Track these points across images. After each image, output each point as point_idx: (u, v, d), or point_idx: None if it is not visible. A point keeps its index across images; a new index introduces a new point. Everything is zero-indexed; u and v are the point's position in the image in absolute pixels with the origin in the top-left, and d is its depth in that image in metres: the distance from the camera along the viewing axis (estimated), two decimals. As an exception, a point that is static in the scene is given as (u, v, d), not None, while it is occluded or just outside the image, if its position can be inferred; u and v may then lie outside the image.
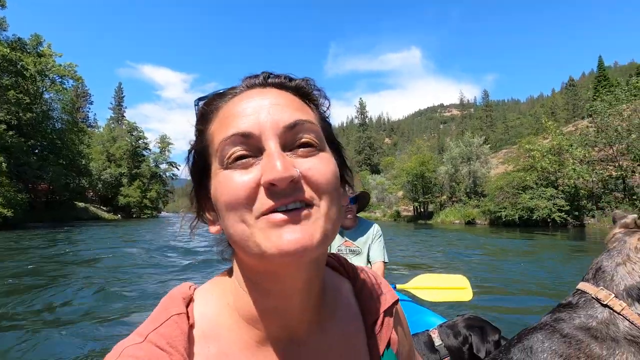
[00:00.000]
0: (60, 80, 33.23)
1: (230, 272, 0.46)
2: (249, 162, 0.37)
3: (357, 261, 2.57)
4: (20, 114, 26.40)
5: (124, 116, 75.79)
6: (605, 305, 0.86)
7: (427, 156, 41.96)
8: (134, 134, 59.32)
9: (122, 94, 78.74)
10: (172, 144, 63.85)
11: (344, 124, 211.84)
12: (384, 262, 2.57)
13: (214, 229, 0.43)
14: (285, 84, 0.43)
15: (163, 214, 78.56)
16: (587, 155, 25.11)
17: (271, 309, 0.42)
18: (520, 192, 25.99)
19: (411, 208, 45.62)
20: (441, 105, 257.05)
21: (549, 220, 23.98)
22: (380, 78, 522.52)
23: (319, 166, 0.38)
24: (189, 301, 0.43)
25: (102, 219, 40.74)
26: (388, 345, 0.51)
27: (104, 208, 49.29)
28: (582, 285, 0.93)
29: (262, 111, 0.38)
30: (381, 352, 0.49)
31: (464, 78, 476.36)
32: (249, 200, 0.36)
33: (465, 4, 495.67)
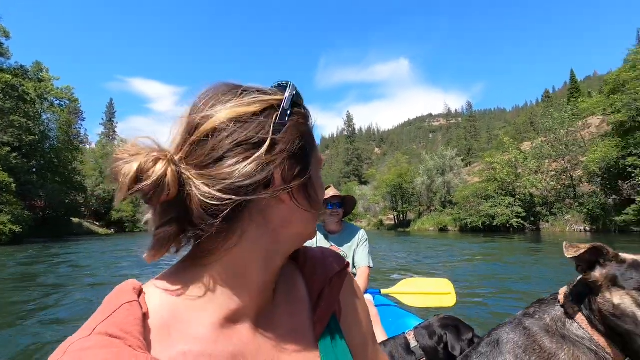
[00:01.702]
0: (58, 102, 35.38)
1: (185, 264, 0.46)
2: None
3: None
4: (23, 137, 28.38)
5: (115, 131, 77.43)
6: (562, 306, 0.97)
7: (404, 168, 45.39)
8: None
9: (113, 109, 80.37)
10: None
11: (334, 135, 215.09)
12: (369, 267, 2.55)
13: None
14: None
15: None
16: (540, 166, 28.07)
17: (257, 286, 0.45)
18: (483, 200, 28.75)
19: (392, 217, 48.34)
20: (430, 115, 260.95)
21: (508, 225, 26.65)
22: (370, 89, 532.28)
23: None
24: (140, 292, 0.42)
25: (96, 233, 42.29)
26: (333, 315, 0.53)
27: (97, 223, 50.71)
28: (562, 288, 1.03)
29: None
30: (325, 323, 0.52)
31: (452, 87, 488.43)
32: None
33: (453, 14, 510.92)
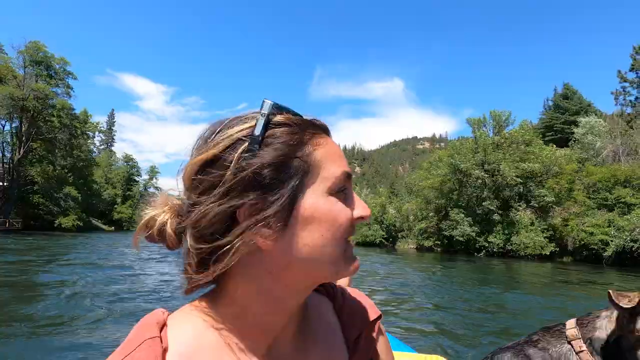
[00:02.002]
0: (91, 134, 51.14)
1: (203, 302, 0.47)
2: (344, 196, 0.45)
3: None
4: (75, 161, 43.82)
5: (114, 139, 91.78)
6: (569, 342, 0.95)
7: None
8: (129, 163, 76.57)
9: (113, 119, 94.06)
10: (158, 172, 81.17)
11: None
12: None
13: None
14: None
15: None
16: (400, 207, 44.62)
17: (267, 325, 0.45)
18: (362, 225, 45.30)
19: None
20: (415, 138, 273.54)
21: (377, 242, 42.90)
22: (363, 105, 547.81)
23: None
24: (163, 326, 0.44)
25: (102, 229, 57.01)
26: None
27: (101, 221, 65.17)
28: (569, 321, 1.01)
29: (345, 160, 0.47)
30: None
31: (443, 110, 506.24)
32: (350, 229, 0.44)
33: (449, 39, 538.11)
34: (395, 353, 1.97)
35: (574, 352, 0.94)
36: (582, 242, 26.60)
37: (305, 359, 0.49)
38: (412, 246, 39.98)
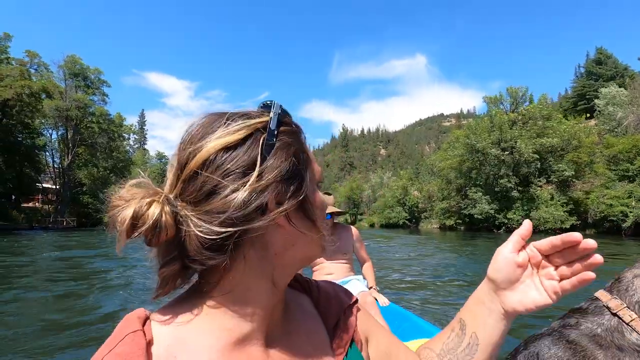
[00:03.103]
0: (127, 135, 55.45)
1: (192, 294, 0.47)
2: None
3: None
4: (115, 162, 47.89)
5: (146, 138, 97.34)
6: (615, 314, 0.84)
7: (355, 184, 63.89)
8: (162, 160, 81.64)
9: (144, 118, 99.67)
10: None
11: (350, 132, 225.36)
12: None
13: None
14: None
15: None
16: (422, 188, 45.46)
17: (265, 308, 0.46)
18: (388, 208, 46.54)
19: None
20: (441, 115, 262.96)
21: (400, 223, 44.14)
22: (385, 85, 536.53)
23: None
24: (145, 320, 0.43)
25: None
26: (352, 343, 0.55)
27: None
28: (598, 293, 0.92)
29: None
30: (345, 350, 0.53)
31: (470, 84, 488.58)
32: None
33: (469, 13, 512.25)
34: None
35: (624, 324, 0.82)
36: (603, 215, 26.64)
37: (292, 341, 0.50)
38: (435, 226, 40.98)
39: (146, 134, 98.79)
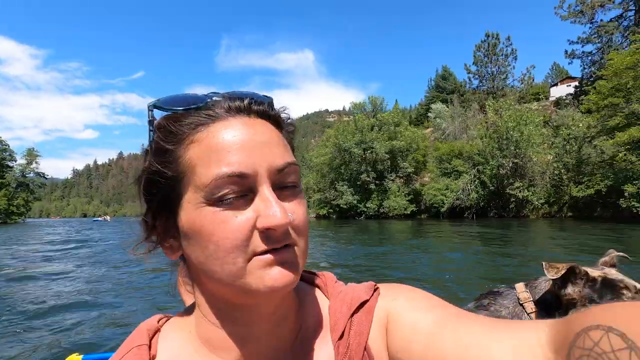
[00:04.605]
0: None
1: (194, 305, 0.45)
2: (239, 202, 0.37)
3: None
4: None
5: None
6: (521, 305, 1.03)
7: None
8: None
9: None
10: (39, 155, 68.40)
11: None
12: None
13: (174, 256, 0.42)
14: (268, 113, 0.42)
15: (29, 220, 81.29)
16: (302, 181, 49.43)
17: (240, 336, 0.42)
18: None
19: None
20: (326, 111, 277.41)
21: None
22: (275, 77, 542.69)
23: (301, 209, 0.40)
24: (154, 333, 0.43)
25: None
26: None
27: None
28: (517, 284, 1.09)
29: (254, 149, 0.37)
30: None
31: (352, 84, 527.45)
32: (245, 242, 0.36)
33: (360, 20, 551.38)
34: None
35: (525, 313, 1.02)
36: (431, 202, 34.61)
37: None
38: (312, 215, 45.07)
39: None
